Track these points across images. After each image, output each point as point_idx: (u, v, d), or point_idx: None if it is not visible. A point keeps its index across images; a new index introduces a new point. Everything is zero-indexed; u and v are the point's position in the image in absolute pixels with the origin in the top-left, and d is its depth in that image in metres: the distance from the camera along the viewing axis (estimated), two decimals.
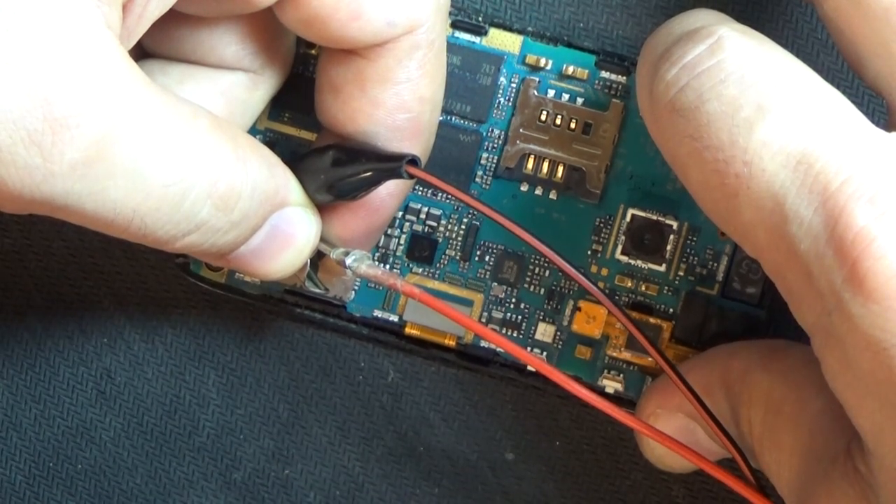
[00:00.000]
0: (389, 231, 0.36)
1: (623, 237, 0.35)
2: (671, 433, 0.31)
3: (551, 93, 0.35)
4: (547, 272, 0.35)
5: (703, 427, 0.32)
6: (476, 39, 0.35)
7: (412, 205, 0.36)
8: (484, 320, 0.36)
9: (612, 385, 0.35)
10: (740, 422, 0.31)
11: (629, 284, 0.35)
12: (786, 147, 0.26)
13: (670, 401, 0.33)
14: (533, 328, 0.36)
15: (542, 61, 0.35)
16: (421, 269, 0.36)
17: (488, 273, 0.36)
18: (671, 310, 0.35)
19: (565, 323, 0.35)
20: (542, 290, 0.36)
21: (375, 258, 0.36)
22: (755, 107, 0.26)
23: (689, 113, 0.27)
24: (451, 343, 0.36)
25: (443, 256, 0.36)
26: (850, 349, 0.25)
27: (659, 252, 0.35)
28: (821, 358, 0.26)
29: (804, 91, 0.26)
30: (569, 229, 0.35)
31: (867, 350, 0.25)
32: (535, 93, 0.35)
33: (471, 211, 0.36)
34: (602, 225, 0.35)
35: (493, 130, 0.35)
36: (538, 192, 0.35)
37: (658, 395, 0.33)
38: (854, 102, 0.27)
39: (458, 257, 0.36)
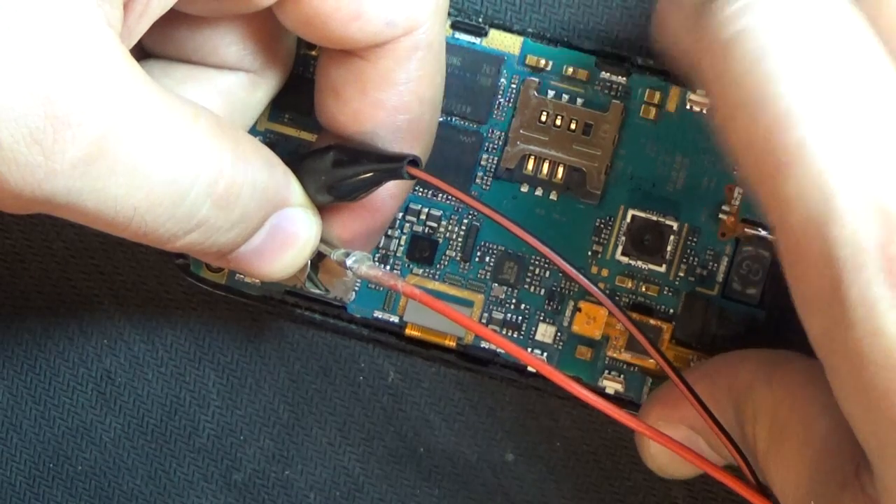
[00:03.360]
0: (390, 232, 0.36)
1: (623, 238, 0.35)
2: None
3: (551, 94, 0.35)
4: (547, 273, 0.35)
5: (706, 438, 0.32)
6: (476, 40, 0.35)
7: (412, 205, 0.36)
8: (484, 321, 0.36)
9: (612, 386, 0.35)
10: (745, 437, 0.30)
11: (629, 285, 0.35)
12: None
13: (672, 413, 0.32)
14: (533, 329, 0.36)
15: (543, 62, 0.35)
16: (421, 270, 0.36)
17: (488, 274, 0.36)
18: (671, 311, 0.35)
19: (565, 324, 0.35)
20: (543, 291, 0.35)
21: (376, 259, 0.36)
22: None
23: (751, 64, 0.24)
24: (452, 344, 0.36)
25: (443, 257, 0.36)
26: (868, 365, 0.24)
27: (659, 253, 0.35)
28: (830, 368, 0.25)
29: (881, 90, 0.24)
30: (569, 230, 0.35)
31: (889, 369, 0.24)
32: (536, 94, 0.35)
33: (471, 212, 0.36)
34: (602, 226, 0.35)
35: (493, 131, 0.35)
36: (538, 192, 0.35)
37: (660, 407, 0.32)
38: None
39: (458, 258, 0.36)
